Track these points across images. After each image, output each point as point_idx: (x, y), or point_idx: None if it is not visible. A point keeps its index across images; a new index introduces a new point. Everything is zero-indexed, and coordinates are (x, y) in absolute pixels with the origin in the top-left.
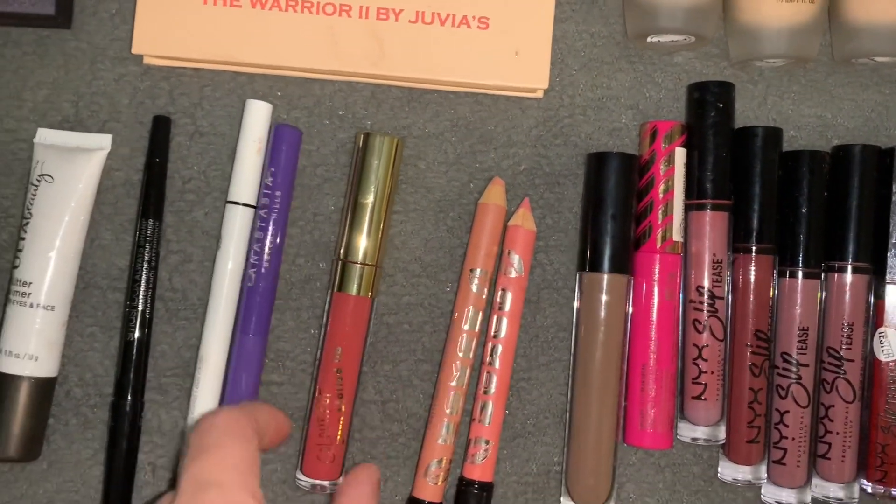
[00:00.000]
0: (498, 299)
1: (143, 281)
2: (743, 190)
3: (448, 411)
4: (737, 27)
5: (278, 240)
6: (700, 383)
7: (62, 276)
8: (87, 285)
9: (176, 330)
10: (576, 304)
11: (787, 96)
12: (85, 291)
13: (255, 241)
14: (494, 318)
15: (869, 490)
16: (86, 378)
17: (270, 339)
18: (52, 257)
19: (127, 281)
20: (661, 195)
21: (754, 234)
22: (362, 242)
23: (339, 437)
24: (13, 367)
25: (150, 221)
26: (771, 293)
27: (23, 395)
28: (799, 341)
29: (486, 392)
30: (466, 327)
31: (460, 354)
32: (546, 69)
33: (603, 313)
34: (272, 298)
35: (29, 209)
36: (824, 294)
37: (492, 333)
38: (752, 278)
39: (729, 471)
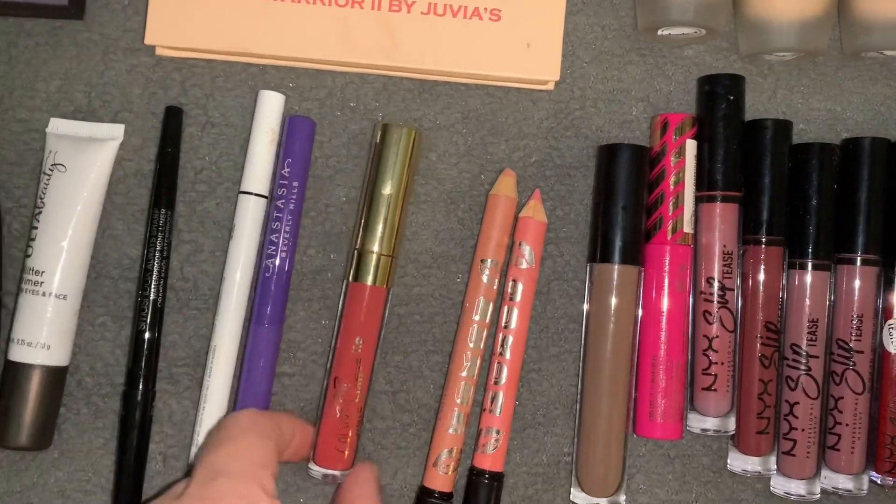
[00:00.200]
0: (509, 290)
1: (155, 271)
2: (753, 182)
3: (459, 401)
4: (747, 21)
5: (295, 230)
6: (710, 374)
7: (74, 266)
8: (98, 275)
9: (187, 320)
10: (586, 296)
11: (796, 90)
12: (97, 281)
13: (271, 231)
14: (505, 308)
15: (878, 481)
16: (97, 367)
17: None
18: (65, 246)
19: (139, 271)
20: (671, 187)
21: (764, 226)
22: (379, 232)
23: (356, 426)
24: (25, 356)
25: (162, 211)
26: (781, 285)
27: (35, 384)
28: (809, 333)
29: (496, 382)
30: (477, 318)
31: (471, 345)
32: (557, 61)
33: (613, 304)
34: (287, 288)
35: (42, 199)
36: (834, 286)
37: (502, 324)
38: (762, 270)
39: (738, 462)
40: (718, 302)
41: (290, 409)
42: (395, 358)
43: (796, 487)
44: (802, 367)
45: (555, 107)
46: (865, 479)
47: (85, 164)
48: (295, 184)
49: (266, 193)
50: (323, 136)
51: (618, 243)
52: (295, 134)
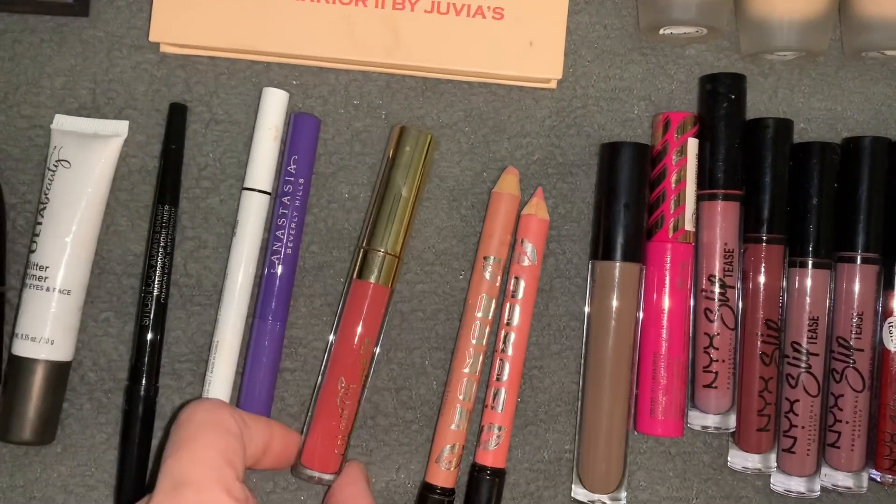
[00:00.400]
0: (511, 287)
1: (159, 266)
2: (754, 180)
3: (461, 397)
4: (748, 20)
5: (300, 226)
6: (711, 372)
7: (78, 261)
8: (102, 271)
9: (190, 316)
10: (588, 293)
11: (797, 89)
12: (100, 277)
13: (276, 228)
14: (507, 305)
15: (878, 479)
16: (100, 363)
17: None
18: (69, 242)
19: (142, 267)
20: (673, 185)
21: (765, 224)
22: (389, 232)
23: (349, 428)
24: (29, 351)
25: (166, 208)
26: (781, 283)
27: (38, 379)
28: (809, 331)
29: (498, 379)
30: (480, 315)
31: (473, 342)
32: (560, 60)
33: (615, 302)
34: (291, 284)
35: (46, 194)
36: (834, 284)
37: (505, 321)
38: (763, 268)
39: (739, 459)
40: (719, 300)
41: (290, 404)
42: (397, 354)
43: (796, 485)
44: (803, 365)
45: (557, 105)
46: (865, 476)
47: (89, 160)
48: (300, 180)
49: (269, 190)
50: (326, 133)
51: (619, 241)
52: (301, 131)
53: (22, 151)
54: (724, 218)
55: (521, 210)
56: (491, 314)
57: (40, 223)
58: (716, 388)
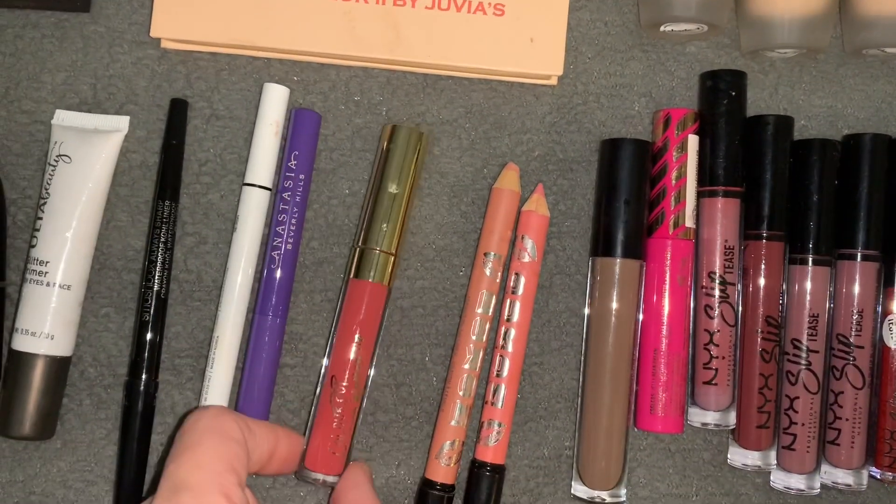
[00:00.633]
0: (511, 283)
1: (159, 262)
2: (754, 177)
3: (461, 393)
4: (749, 17)
5: (301, 222)
6: (711, 368)
7: (79, 256)
8: (102, 266)
9: (190, 311)
10: (588, 289)
11: (798, 86)
12: (100, 272)
13: (276, 223)
14: (508, 302)
15: (878, 476)
16: (100, 358)
17: None
18: (69, 237)
19: (142, 262)
20: (673, 182)
21: (765, 221)
22: (383, 231)
23: (350, 428)
24: (29, 346)
25: (167, 203)
26: (782, 280)
27: (38, 374)
28: (809, 328)
29: (498, 375)
30: (480, 311)
31: (473, 338)
32: (561, 56)
33: (615, 299)
34: (292, 280)
35: (47, 189)
36: (834, 281)
37: (505, 317)
38: (763, 265)
39: (739, 456)
40: (720, 296)
41: (290, 400)
42: (398, 351)
43: (796, 482)
44: (803, 362)
45: (558, 102)
46: (865, 473)
47: (90, 155)
48: (301, 176)
49: (270, 186)
50: (327, 129)
51: (620, 237)
52: (301, 126)
53: (22, 146)
54: (724, 215)
55: (522, 206)
56: (491, 310)
57: (41, 218)
58: (716, 384)
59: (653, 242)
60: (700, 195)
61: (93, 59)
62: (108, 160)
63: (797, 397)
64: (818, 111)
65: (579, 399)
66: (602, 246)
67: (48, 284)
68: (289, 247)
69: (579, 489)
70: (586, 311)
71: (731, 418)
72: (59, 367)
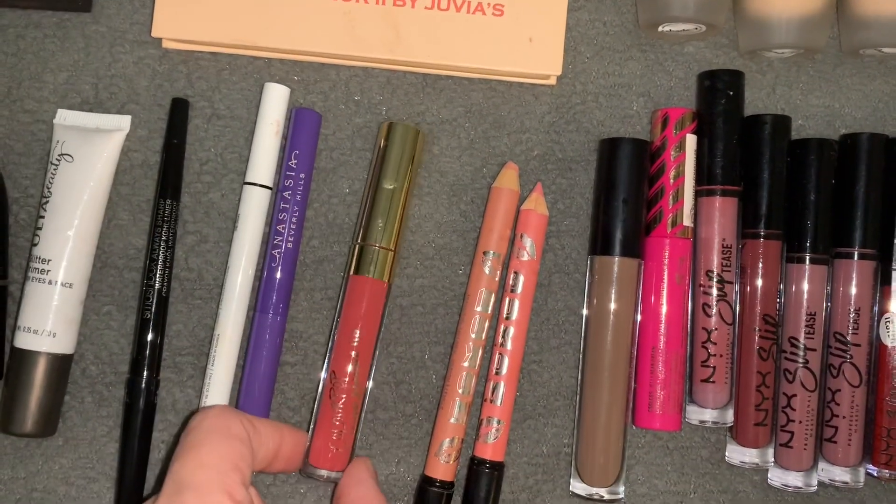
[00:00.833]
0: (510, 282)
1: (160, 260)
2: (752, 177)
3: (460, 391)
4: (747, 17)
5: (301, 221)
6: (709, 366)
7: (80, 254)
8: (104, 265)
9: (191, 310)
10: (587, 288)
11: (795, 86)
12: (102, 271)
13: (277, 222)
14: (507, 300)
15: (875, 474)
16: (101, 356)
17: None
18: (71, 235)
19: (144, 260)
20: (671, 181)
21: (763, 220)
22: (381, 227)
23: (353, 424)
24: (31, 343)
25: (168, 202)
26: (779, 278)
27: (40, 371)
28: (806, 326)
29: (497, 373)
30: (479, 309)
31: (473, 336)
32: (559, 56)
33: (613, 296)
34: (292, 278)
35: (49, 188)
36: (832, 280)
37: (504, 315)
38: (761, 263)
39: (736, 453)
40: (717, 295)
41: (291, 398)
42: (397, 349)
43: (794, 479)
44: (800, 360)
45: (556, 101)
46: (862, 471)
47: (92, 154)
48: (301, 175)
49: (270, 185)
50: (327, 129)
51: (618, 236)
52: (302, 126)
53: (25, 146)
54: (722, 214)
55: (521, 205)
56: (490, 308)
57: (43, 217)
58: (713, 382)
59: (651, 241)
60: (698, 194)
61: (94, 59)
62: (110, 159)
63: (794, 395)
64: (815, 111)
65: (578, 397)
66: (600, 244)
67: (50, 282)
68: (289, 245)
69: (578, 486)
70: (585, 309)
71: (729, 416)
72: (61, 365)
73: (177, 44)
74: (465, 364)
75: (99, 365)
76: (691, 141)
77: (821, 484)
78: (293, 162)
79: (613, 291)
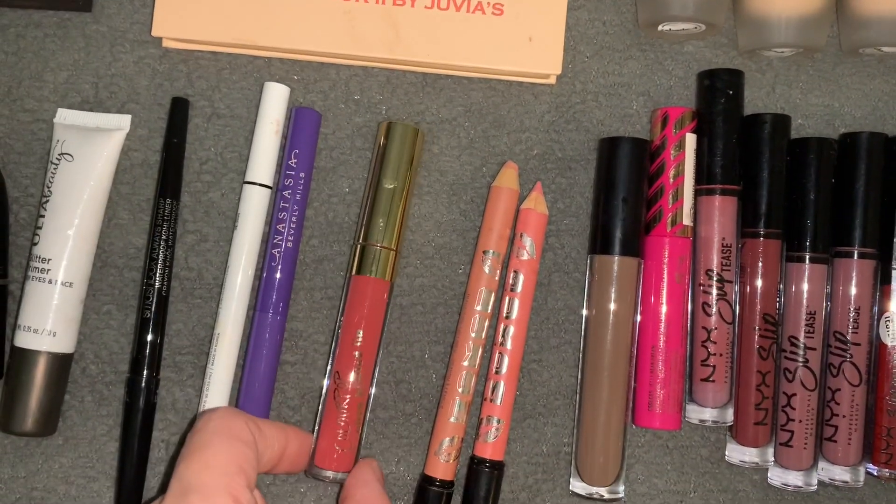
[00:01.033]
0: (510, 281)
1: (160, 260)
2: (752, 176)
3: (460, 390)
4: (746, 17)
5: (301, 220)
6: (708, 365)
7: (81, 254)
8: (104, 264)
9: (191, 309)
10: (586, 287)
11: (795, 85)
12: (102, 270)
13: (277, 221)
14: (506, 299)
15: (875, 473)
16: (101, 355)
17: None
18: (71, 235)
19: (144, 260)
20: (671, 180)
21: (763, 219)
22: (382, 226)
23: (357, 424)
24: (31, 343)
25: (168, 201)
26: (779, 278)
27: (40, 370)
28: (806, 325)
29: (497, 372)
30: (479, 308)
31: (472, 335)
32: (559, 56)
33: (613, 296)
34: (292, 277)
35: (49, 187)
36: (831, 279)
37: (504, 314)
38: (761, 263)
39: (736, 453)
40: (717, 294)
41: (291, 397)
42: (397, 348)
43: (793, 478)
44: (800, 359)
45: (556, 100)
46: (862, 470)
47: (92, 153)
48: (301, 174)
49: (270, 184)
50: (327, 128)
51: (618, 235)
52: (302, 125)
53: (25, 145)
54: (721, 213)
55: (521, 204)
56: (490, 308)
57: (43, 216)
58: (713, 381)
59: (651, 240)
60: (697, 193)
61: (95, 59)
62: (110, 158)
63: (794, 394)
64: (815, 110)
65: (578, 396)
66: (600, 244)
67: (50, 282)
68: (289, 245)
69: (578, 485)
70: (584, 308)
71: (729, 415)
72: (61, 364)
73: (177, 43)
74: (465, 363)
75: (99, 364)
76: (691, 140)
77: (821, 483)
78: (293, 161)
79: (613, 291)
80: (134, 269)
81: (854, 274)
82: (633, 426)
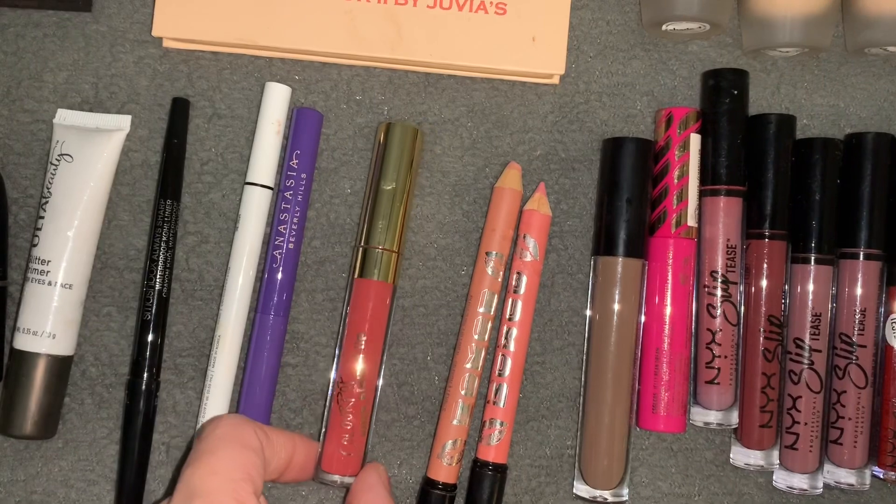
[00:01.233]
0: (513, 283)
1: (161, 261)
2: (757, 176)
3: (463, 392)
4: (750, 16)
5: (302, 221)
6: (713, 368)
7: (80, 255)
8: (104, 266)
9: (192, 311)
10: (590, 289)
11: (800, 85)
12: (102, 271)
13: (278, 222)
14: (509, 301)
15: (881, 476)
16: (101, 358)
17: None
18: (71, 236)
19: (144, 261)
20: (675, 181)
21: (768, 220)
22: (383, 229)
23: (363, 428)
24: (31, 345)
25: (168, 202)
26: (784, 279)
27: (40, 373)
28: (812, 327)
29: (500, 374)
30: (482, 310)
31: (475, 337)
32: (562, 55)
33: (617, 297)
34: (294, 279)
35: (48, 188)
36: (837, 280)
37: (507, 316)
38: (766, 264)
39: (741, 455)
40: (722, 295)
41: (292, 399)
42: (399, 350)
43: (799, 481)
44: (805, 361)
45: (560, 100)
46: (868, 473)
47: (92, 154)
48: (303, 175)
49: (271, 185)
50: (328, 128)
51: (622, 236)
52: (303, 125)
53: (24, 146)
54: (726, 214)
55: (524, 205)
56: (493, 309)
57: (42, 217)
58: (718, 384)
59: (655, 241)
60: (702, 194)
61: (94, 59)
62: (110, 159)
63: (800, 396)
64: (820, 110)
65: (581, 398)
66: (604, 245)
67: (50, 283)
68: (290, 246)
69: (581, 488)
70: (588, 310)
71: (734, 418)
72: (61, 367)
73: (177, 43)
74: (468, 365)
75: (99, 366)
76: (695, 140)
77: (826, 486)
78: (294, 162)
79: (617, 292)
80: (134, 270)
81: (860, 275)
82: (638, 429)
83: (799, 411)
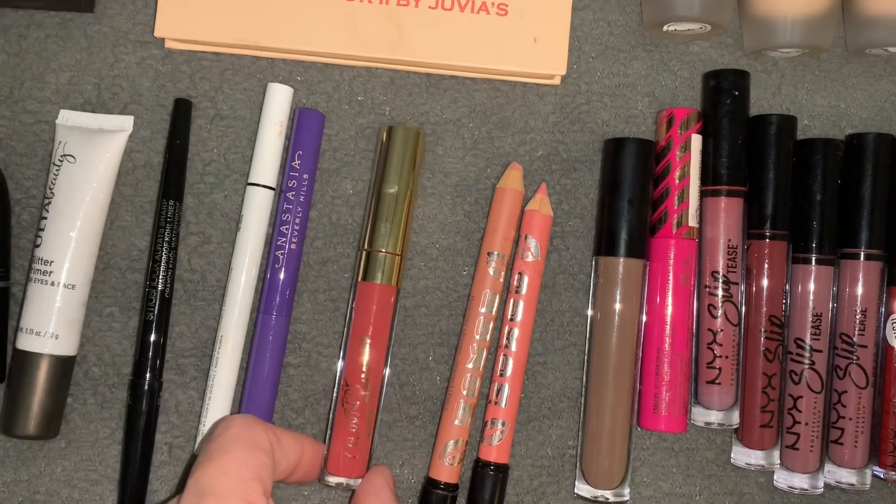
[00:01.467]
0: (515, 283)
1: (163, 262)
2: (758, 177)
3: (465, 393)
4: (751, 17)
5: (304, 221)
6: (714, 368)
7: (83, 256)
8: (106, 266)
9: (194, 311)
10: (591, 289)
11: (801, 86)
12: (105, 272)
13: (280, 223)
14: (511, 301)
15: (881, 476)
16: (104, 358)
17: None
18: (74, 236)
19: (146, 262)
20: (676, 181)
21: (769, 220)
22: (386, 232)
23: (368, 430)
24: (34, 345)
25: (171, 203)
26: (785, 279)
27: (43, 373)
28: (812, 327)
29: (502, 374)
30: (483, 310)
31: (477, 337)
32: (564, 56)
33: (618, 297)
34: (296, 279)
35: (51, 189)
36: (838, 281)
37: (508, 317)
38: (767, 264)
39: (742, 455)
40: (723, 296)
41: (294, 399)
42: (401, 350)
43: (799, 481)
44: (806, 362)
45: (561, 101)
46: (868, 473)
47: (94, 155)
48: (305, 176)
49: (274, 185)
50: (330, 129)
51: (623, 237)
52: (305, 126)
53: (27, 146)
54: (727, 214)
55: (525, 206)
56: (495, 310)
57: (45, 218)
58: (719, 384)
59: (656, 242)
60: (703, 194)
61: (97, 59)
62: (113, 160)
63: (801, 396)
64: (821, 111)
65: (583, 398)
66: (605, 245)
67: (52, 284)
68: (293, 246)
69: (583, 488)
70: (589, 310)
71: (735, 418)
72: (64, 367)
73: (180, 44)
74: (470, 366)
75: (101, 367)
76: (696, 141)
77: (827, 486)
78: (296, 162)
79: (618, 292)
80: (137, 271)
81: (861, 275)
82: (639, 429)
83: (800, 411)
